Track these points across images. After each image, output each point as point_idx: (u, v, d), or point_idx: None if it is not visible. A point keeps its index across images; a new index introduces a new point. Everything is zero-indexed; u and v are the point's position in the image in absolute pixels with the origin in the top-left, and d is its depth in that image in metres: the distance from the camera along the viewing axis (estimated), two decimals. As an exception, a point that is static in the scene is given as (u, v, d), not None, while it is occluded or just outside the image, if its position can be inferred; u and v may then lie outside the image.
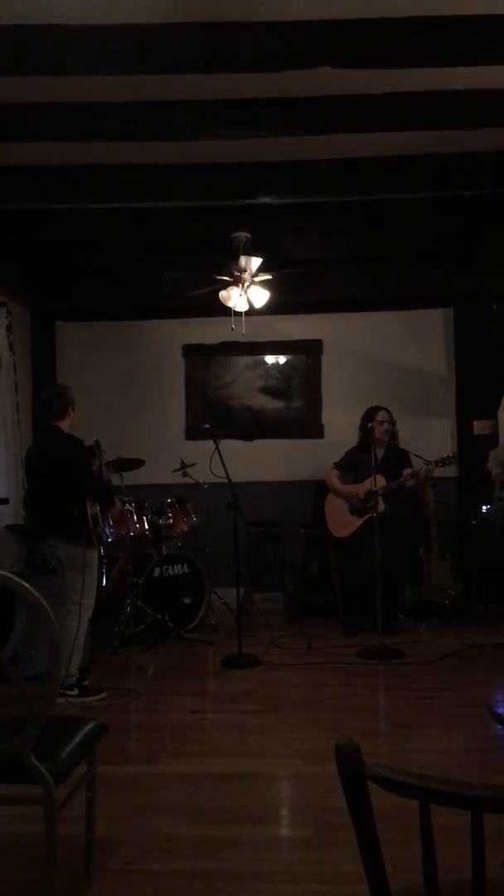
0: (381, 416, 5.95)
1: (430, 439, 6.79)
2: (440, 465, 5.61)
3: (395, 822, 1.65)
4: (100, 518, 4.34)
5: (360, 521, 5.81)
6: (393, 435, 5.95)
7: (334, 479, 6.08)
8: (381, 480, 5.62)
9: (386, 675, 4.78)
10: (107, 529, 5.67)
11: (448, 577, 6.08)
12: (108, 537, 5.68)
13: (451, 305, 7.06)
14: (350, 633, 5.70)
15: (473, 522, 6.27)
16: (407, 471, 5.76)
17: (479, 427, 6.79)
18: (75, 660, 4.37)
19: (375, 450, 5.78)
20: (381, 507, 5.58)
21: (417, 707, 4.16)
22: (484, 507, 6.27)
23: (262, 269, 5.70)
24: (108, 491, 4.47)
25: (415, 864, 1.28)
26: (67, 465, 4.39)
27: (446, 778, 1.15)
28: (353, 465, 6.05)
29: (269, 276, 5.74)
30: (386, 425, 5.89)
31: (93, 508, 4.33)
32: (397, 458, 5.89)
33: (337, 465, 6.13)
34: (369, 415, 6.00)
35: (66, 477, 4.38)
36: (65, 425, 4.55)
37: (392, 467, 5.74)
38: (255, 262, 5.59)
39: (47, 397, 4.65)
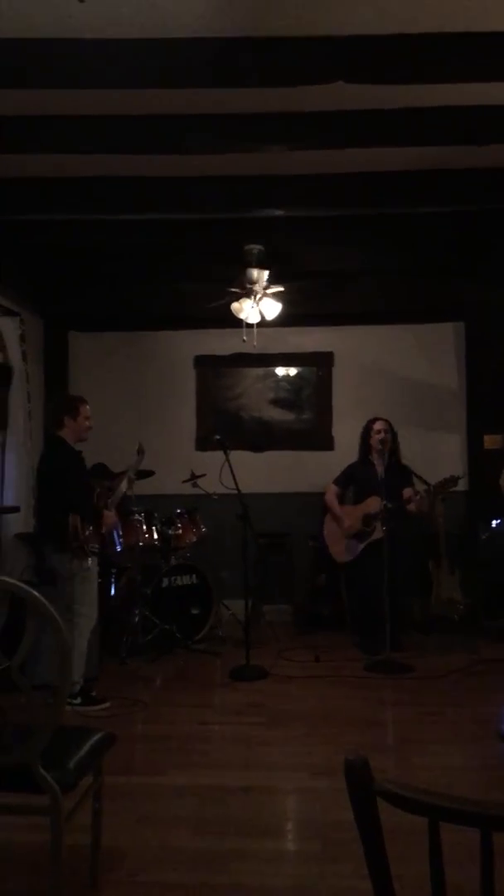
0: (378, 425, 5.86)
1: (440, 453, 6.78)
2: (442, 488, 5.48)
3: (403, 838, 1.65)
4: (80, 529, 4.34)
5: (360, 546, 5.76)
6: (393, 450, 5.77)
7: (333, 499, 6.02)
8: (376, 502, 5.52)
9: (394, 690, 4.76)
10: (116, 538, 5.67)
11: (457, 591, 6.04)
12: (115, 546, 5.68)
13: (463, 319, 7.05)
14: (372, 651, 5.44)
15: (483, 537, 6.24)
16: (407, 491, 5.69)
17: (490, 441, 6.77)
18: (77, 667, 4.38)
19: (376, 465, 5.73)
20: (379, 534, 5.49)
21: (425, 722, 4.14)
22: (494, 522, 6.24)
23: (273, 281, 5.72)
24: (82, 504, 4.45)
25: (423, 881, 1.28)
26: (50, 474, 4.53)
27: (456, 795, 1.15)
28: (353, 479, 6.02)
29: (282, 289, 5.76)
30: (382, 434, 5.78)
31: (73, 520, 4.34)
32: (399, 475, 5.74)
33: (336, 482, 6.07)
34: (367, 425, 5.96)
35: (51, 487, 4.51)
36: (66, 434, 4.59)
37: (393, 485, 5.57)
38: (265, 274, 5.61)
39: (48, 408, 4.75)
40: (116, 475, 5.64)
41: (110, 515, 4.65)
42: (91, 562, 4.44)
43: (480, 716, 4.19)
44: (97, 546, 4.50)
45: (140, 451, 5.37)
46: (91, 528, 4.45)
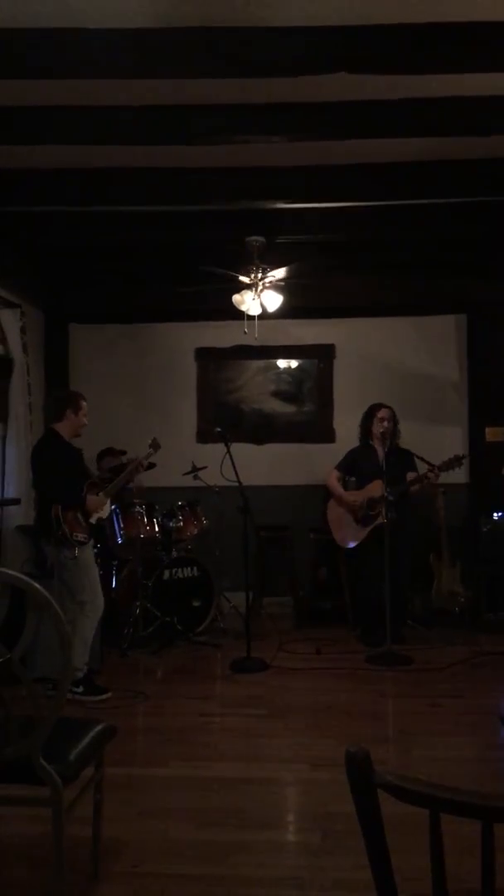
0: (382, 412, 5.89)
1: (442, 445, 6.76)
2: (446, 468, 5.50)
3: (403, 829, 1.64)
4: (61, 519, 4.38)
5: (366, 531, 5.75)
6: (394, 434, 5.83)
7: (335, 483, 6.03)
8: (380, 486, 5.51)
9: (394, 682, 4.77)
10: (118, 530, 5.68)
11: (458, 583, 6.05)
12: (116, 538, 5.69)
13: (465, 312, 7.04)
14: (374, 643, 5.46)
15: (485, 529, 6.24)
16: (411, 474, 5.70)
17: (492, 434, 6.77)
18: (81, 655, 4.40)
19: (377, 450, 5.74)
20: (383, 518, 5.48)
21: (426, 714, 4.14)
22: (495, 514, 6.24)
23: (273, 272, 5.70)
24: (57, 492, 4.48)
25: (423, 873, 1.28)
26: (37, 466, 4.61)
27: (457, 787, 1.14)
28: (354, 465, 6.02)
29: (281, 280, 5.74)
30: (386, 423, 5.81)
31: (55, 510, 4.40)
32: (400, 459, 5.76)
33: (338, 467, 6.09)
34: (371, 412, 5.98)
35: (38, 479, 4.63)
36: (63, 427, 4.63)
37: (395, 469, 5.60)
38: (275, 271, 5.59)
39: (47, 402, 4.91)
40: (122, 465, 5.66)
41: (93, 500, 4.62)
42: (79, 552, 4.44)
43: (481, 708, 4.19)
44: (85, 536, 4.49)
45: (153, 446, 5.37)
46: (76, 518, 4.47)
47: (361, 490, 5.87)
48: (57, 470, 4.52)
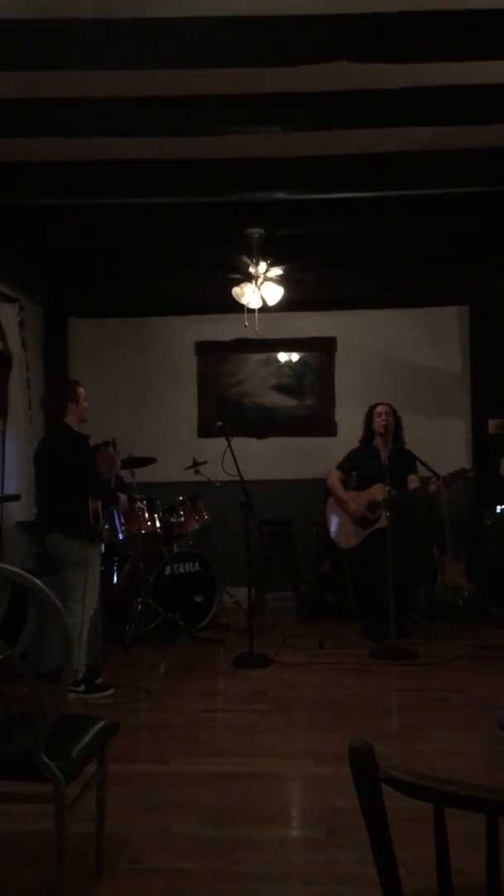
0: (380, 408, 5.85)
1: (444, 438, 6.76)
2: (450, 482, 5.44)
3: (407, 824, 1.63)
4: (100, 515, 4.37)
5: (365, 533, 5.72)
6: (396, 435, 5.76)
7: (336, 483, 5.97)
8: (382, 489, 5.46)
9: (398, 676, 4.75)
10: (118, 525, 5.67)
11: (462, 577, 6.02)
12: (117, 534, 5.68)
13: (467, 304, 7.01)
14: (377, 638, 5.46)
15: (488, 523, 6.22)
16: (412, 477, 5.66)
17: (494, 426, 6.74)
18: (80, 656, 4.38)
19: (380, 450, 5.69)
20: (384, 522, 5.43)
21: (430, 708, 4.13)
22: (499, 507, 6.22)
23: (273, 264, 5.68)
24: (106, 488, 4.49)
25: (428, 867, 1.26)
26: (66, 461, 4.46)
27: (461, 781, 1.13)
28: (356, 464, 5.98)
29: (281, 272, 5.72)
30: (384, 417, 5.75)
31: (94, 505, 4.36)
32: (403, 460, 5.71)
33: (339, 467, 6.04)
34: (370, 410, 5.94)
35: (66, 473, 4.44)
36: (70, 420, 4.58)
37: (397, 470, 5.56)
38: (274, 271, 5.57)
39: (46, 397, 4.81)
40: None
41: (124, 497, 4.72)
42: (102, 547, 4.47)
43: (485, 702, 4.18)
44: (108, 532, 4.52)
45: (112, 444, 5.38)
46: (106, 514, 4.49)
47: (362, 492, 5.83)
48: (90, 464, 4.50)
